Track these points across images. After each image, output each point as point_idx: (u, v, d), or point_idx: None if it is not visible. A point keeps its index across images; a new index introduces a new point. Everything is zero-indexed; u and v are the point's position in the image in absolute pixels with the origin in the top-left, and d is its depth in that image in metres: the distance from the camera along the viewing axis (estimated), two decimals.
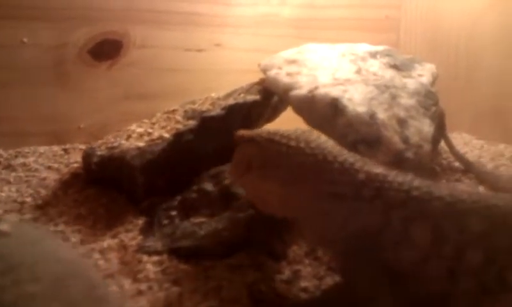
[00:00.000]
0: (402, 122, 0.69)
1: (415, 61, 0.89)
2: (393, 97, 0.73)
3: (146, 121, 0.87)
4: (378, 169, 0.48)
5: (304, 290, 0.52)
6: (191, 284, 0.52)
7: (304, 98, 0.72)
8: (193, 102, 0.89)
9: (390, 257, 0.45)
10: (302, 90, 0.73)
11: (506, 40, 1.05)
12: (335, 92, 0.69)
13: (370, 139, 0.64)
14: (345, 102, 0.67)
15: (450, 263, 0.43)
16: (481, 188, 0.84)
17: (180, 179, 0.72)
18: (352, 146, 0.65)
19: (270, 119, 0.96)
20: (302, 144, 0.50)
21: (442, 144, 0.93)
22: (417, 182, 0.46)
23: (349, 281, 0.47)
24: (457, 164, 0.92)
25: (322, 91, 0.70)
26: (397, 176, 0.47)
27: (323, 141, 0.52)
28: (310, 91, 0.71)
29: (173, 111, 0.87)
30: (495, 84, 1.09)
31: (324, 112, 0.68)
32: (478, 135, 1.13)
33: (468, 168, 0.89)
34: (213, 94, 0.90)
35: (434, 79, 0.87)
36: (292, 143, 0.51)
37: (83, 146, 0.95)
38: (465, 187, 0.52)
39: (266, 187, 0.52)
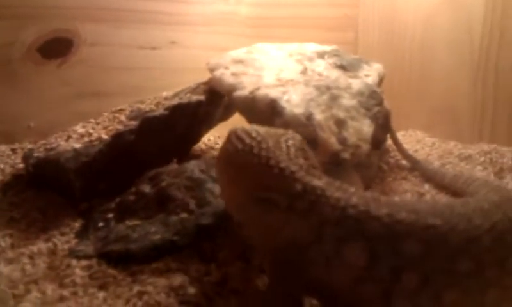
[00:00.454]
0: (340, 123, 0.69)
1: (362, 61, 0.90)
2: (335, 98, 0.73)
3: (92, 120, 0.86)
4: (319, 182, 0.45)
5: (234, 291, 0.52)
6: (117, 289, 0.52)
7: (246, 99, 0.72)
8: (142, 101, 0.88)
9: (320, 275, 0.44)
10: (244, 91, 0.73)
11: (458, 38, 1.07)
12: (274, 93, 0.69)
13: (306, 140, 0.64)
14: (283, 103, 0.67)
15: (385, 286, 0.41)
16: (427, 186, 0.86)
17: (122, 181, 0.71)
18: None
19: (224, 118, 0.95)
20: (253, 143, 0.48)
21: (390, 142, 0.94)
22: (355, 199, 0.44)
23: (269, 291, 0.47)
24: (404, 162, 0.93)
25: (262, 92, 0.70)
26: (336, 191, 0.45)
27: (285, 141, 0.50)
28: (251, 92, 0.71)
29: (120, 111, 0.86)
30: (448, 82, 1.10)
31: (264, 113, 0.68)
32: (431, 133, 1.15)
33: (415, 166, 0.90)
34: (164, 93, 0.90)
35: (381, 79, 0.88)
36: (247, 141, 0.48)
37: (32, 146, 0.93)
38: (408, 200, 0.49)
39: (221, 184, 0.52)
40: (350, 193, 0.45)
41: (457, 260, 0.41)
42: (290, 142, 0.50)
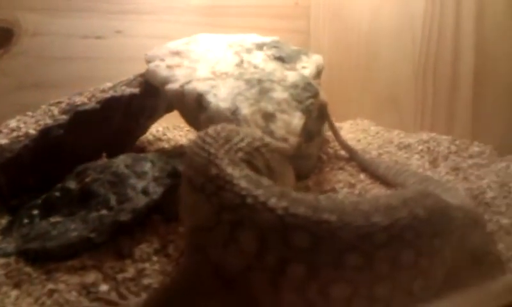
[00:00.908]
0: (268, 116, 0.70)
1: (302, 52, 0.91)
2: (266, 91, 0.74)
3: (29, 113, 0.85)
4: (234, 171, 0.47)
5: (148, 287, 0.53)
6: (30, 287, 0.52)
7: (176, 93, 0.72)
8: (81, 93, 0.87)
9: (220, 259, 0.45)
10: (175, 84, 0.73)
11: (401, 31, 1.08)
12: (202, 87, 0.69)
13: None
14: (209, 97, 0.67)
15: (272, 275, 0.43)
16: (362, 176, 0.88)
17: (53, 176, 0.71)
18: None
19: (169, 110, 0.95)
20: (207, 138, 0.51)
21: (331, 133, 0.96)
22: (260, 191, 0.45)
23: (179, 272, 0.48)
24: (343, 152, 0.95)
25: (190, 86, 0.70)
26: (246, 182, 0.46)
27: (238, 140, 0.52)
28: (181, 86, 0.71)
29: (58, 103, 0.85)
30: (392, 73, 1.12)
31: (192, 107, 0.69)
32: (378, 122, 1.17)
33: (352, 156, 0.92)
34: (107, 84, 0.89)
35: (319, 71, 0.89)
36: (205, 136, 0.51)
37: None
38: (318, 197, 0.51)
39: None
40: (259, 185, 0.46)
41: (346, 255, 0.42)
42: (242, 143, 0.53)
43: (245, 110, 0.67)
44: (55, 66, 1.07)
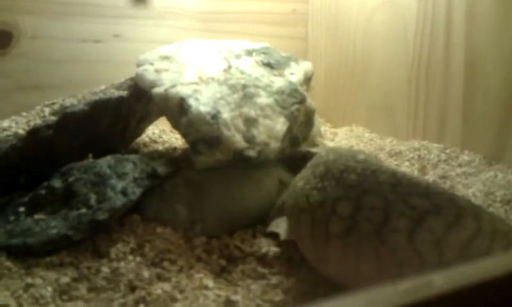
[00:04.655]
0: (250, 121, 0.71)
1: (292, 59, 0.92)
2: (250, 96, 0.75)
3: (24, 114, 0.88)
4: None
5: (124, 285, 0.54)
6: (8, 281, 0.54)
7: (161, 96, 0.73)
8: (75, 95, 0.89)
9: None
10: (161, 88, 0.75)
11: (394, 37, 1.09)
12: (185, 91, 0.71)
13: (209, 138, 0.66)
14: (190, 101, 0.68)
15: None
16: None
17: (43, 175, 0.73)
18: (193, 146, 0.67)
19: (161, 113, 0.96)
20: None
21: (321, 139, 0.97)
22: None
23: None
24: None
25: (174, 90, 0.71)
26: None
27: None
28: (166, 90, 0.73)
29: (52, 104, 0.87)
30: (385, 79, 1.12)
31: (174, 111, 0.70)
32: (372, 129, 1.18)
33: None
34: (102, 87, 0.91)
35: (307, 78, 0.90)
36: None
37: None
38: None
39: None
40: None
41: None
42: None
43: (226, 114, 0.68)
44: (53, 68, 1.09)
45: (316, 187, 0.55)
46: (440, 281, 0.23)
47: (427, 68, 1.02)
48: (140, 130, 1.01)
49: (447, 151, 0.97)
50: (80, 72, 1.11)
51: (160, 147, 1.07)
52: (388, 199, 0.49)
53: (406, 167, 0.94)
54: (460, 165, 0.92)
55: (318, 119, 1.17)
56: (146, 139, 1.11)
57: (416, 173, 0.92)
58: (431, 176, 0.90)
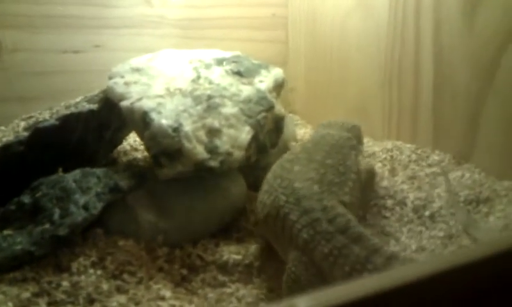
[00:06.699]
0: (213, 132, 0.73)
1: (262, 66, 0.93)
2: (215, 107, 0.77)
3: (3, 128, 0.90)
4: None
5: (84, 299, 0.57)
6: None
7: (127, 110, 0.75)
8: (51, 108, 0.91)
9: None
10: (128, 101, 0.77)
11: (368, 42, 1.10)
12: (148, 105, 0.73)
13: (171, 151, 0.68)
14: (153, 115, 0.70)
15: None
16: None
17: (15, 190, 0.75)
18: (155, 159, 0.69)
19: None
20: None
21: (294, 143, 0.98)
22: None
23: None
24: None
25: (138, 103, 0.73)
26: None
27: None
28: (132, 103, 0.75)
29: (29, 118, 0.90)
30: (360, 83, 1.14)
31: (138, 124, 0.72)
32: None
33: None
34: (78, 99, 0.93)
35: (278, 84, 0.91)
36: None
37: None
38: None
39: None
40: None
41: None
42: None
43: (188, 127, 0.70)
44: (35, 80, 1.12)
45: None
46: (303, 304, 0.24)
47: (399, 71, 1.03)
48: (118, 139, 1.03)
49: (419, 151, 0.98)
50: (61, 83, 1.14)
51: (139, 155, 1.09)
52: None
53: (378, 168, 0.96)
54: (430, 166, 0.94)
55: (292, 123, 1.19)
56: (128, 147, 1.13)
57: (387, 174, 0.94)
58: (400, 177, 0.91)
